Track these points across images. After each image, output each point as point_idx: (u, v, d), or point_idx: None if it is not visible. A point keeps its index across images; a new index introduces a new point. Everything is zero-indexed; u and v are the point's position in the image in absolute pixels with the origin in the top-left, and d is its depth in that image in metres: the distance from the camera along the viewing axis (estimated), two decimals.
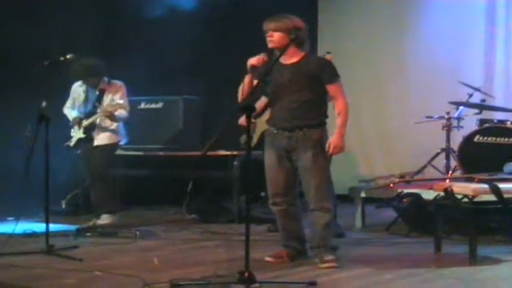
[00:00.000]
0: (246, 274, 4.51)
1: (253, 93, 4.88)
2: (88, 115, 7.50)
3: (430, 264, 5.41)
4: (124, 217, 7.79)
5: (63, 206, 8.97)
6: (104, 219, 7.48)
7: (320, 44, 10.37)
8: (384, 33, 9.99)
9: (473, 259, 5.39)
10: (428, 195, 6.70)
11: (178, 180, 8.98)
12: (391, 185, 7.39)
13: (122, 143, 7.74)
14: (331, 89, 5.35)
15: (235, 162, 7.84)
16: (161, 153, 8.53)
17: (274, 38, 5.29)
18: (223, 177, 8.30)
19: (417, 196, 6.87)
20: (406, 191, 7.07)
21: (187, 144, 8.35)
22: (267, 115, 5.77)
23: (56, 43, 8.42)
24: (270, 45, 5.30)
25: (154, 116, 8.63)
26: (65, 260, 5.59)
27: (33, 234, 6.70)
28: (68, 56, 6.20)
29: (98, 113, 7.39)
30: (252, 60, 5.31)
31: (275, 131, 5.40)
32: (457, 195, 5.73)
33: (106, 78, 7.53)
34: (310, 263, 5.41)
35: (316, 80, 5.32)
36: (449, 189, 5.74)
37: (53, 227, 6.32)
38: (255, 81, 5.23)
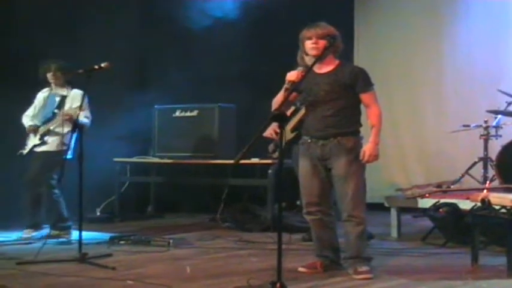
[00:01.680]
0: (278, 285, 4.47)
1: (286, 102, 4.82)
2: (46, 121, 7.24)
3: (466, 276, 5.29)
4: (157, 225, 7.75)
5: (98, 214, 9.03)
6: (26, 233, 7.09)
7: (356, 54, 10.34)
8: (421, 42, 9.89)
9: (511, 271, 5.27)
10: (465, 205, 6.60)
11: (212, 188, 8.99)
12: (427, 194, 7.27)
13: (69, 156, 6.94)
14: (365, 97, 5.30)
15: (269, 171, 7.79)
16: (196, 161, 8.51)
17: (319, 45, 5.23)
18: (258, 186, 8.28)
19: (454, 206, 6.77)
20: (443, 200, 6.96)
21: (222, 152, 8.33)
22: (291, 124, 5.73)
23: (92, 52, 8.45)
24: (313, 52, 5.22)
25: (189, 124, 8.63)
26: (97, 269, 5.60)
27: (66, 242, 6.75)
28: (103, 65, 6.17)
29: (55, 119, 7.13)
30: (291, 76, 5.28)
31: (309, 140, 5.35)
32: (494, 206, 5.62)
33: (70, 86, 7.25)
34: (344, 274, 5.34)
35: (351, 89, 5.28)
36: (486, 199, 5.64)
37: (86, 235, 6.37)
38: (294, 94, 5.22)
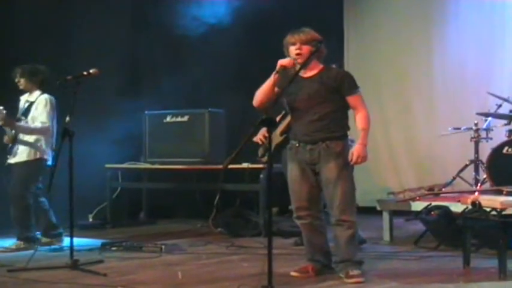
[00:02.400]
0: None
1: (274, 106, 4.82)
2: None
3: (458, 279, 5.30)
4: (150, 231, 7.73)
5: (90, 220, 9.01)
6: (8, 244, 6.95)
7: (346, 58, 10.36)
8: (411, 45, 9.91)
9: (503, 273, 5.27)
10: (457, 208, 6.61)
11: (204, 194, 8.98)
12: (418, 197, 7.29)
13: (48, 163, 7.00)
14: (351, 100, 5.31)
15: (261, 175, 7.79)
16: (187, 166, 8.50)
17: (303, 50, 5.25)
18: (250, 190, 8.27)
19: (446, 209, 6.77)
20: (434, 203, 6.97)
21: (213, 157, 8.32)
22: (280, 127, 5.72)
23: (83, 58, 8.45)
24: (299, 59, 5.24)
25: (180, 129, 8.60)
26: (89, 275, 5.59)
27: (58, 249, 6.74)
28: (91, 71, 6.14)
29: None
30: (283, 61, 5.26)
31: (297, 145, 5.36)
32: (485, 208, 5.63)
33: (38, 92, 7.06)
34: (336, 278, 5.33)
35: (336, 92, 5.29)
36: (477, 202, 5.65)
37: (78, 241, 6.35)
38: (276, 89, 5.24)
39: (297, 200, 5.40)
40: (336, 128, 5.29)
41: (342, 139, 5.31)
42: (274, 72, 5.26)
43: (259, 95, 5.35)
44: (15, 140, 6.97)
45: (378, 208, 7.44)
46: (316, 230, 5.44)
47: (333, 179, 5.23)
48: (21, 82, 7.09)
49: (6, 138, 7.03)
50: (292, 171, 5.39)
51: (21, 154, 6.97)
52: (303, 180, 5.34)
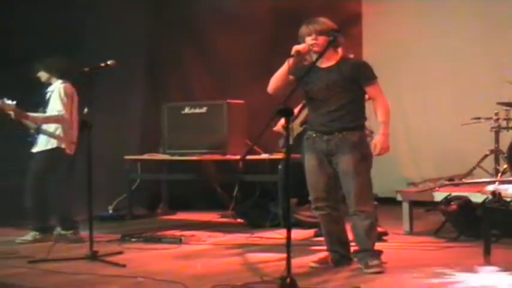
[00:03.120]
0: (288, 280, 4.45)
1: (291, 96, 4.79)
2: None
3: (479, 269, 5.25)
4: (169, 222, 7.75)
5: (110, 212, 9.05)
6: (26, 236, 6.95)
7: (365, 49, 10.29)
8: (430, 34, 9.83)
9: None
10: (477, 198, 6.56)
11: (224, 185, 8.98)
12: (437, 188, 7.25)
13: (67, 152, 6.96)
14: (370, 90, 5.28)
15: (280, 166, 7.77)
16: (206, 157, 8.50)
17: (319, 41, 5.22)
18: (269, 181, 8.26)
19: (466, 199, 6.72)
20: (454, 194, 6.92)
21: (231, 148, 8.31)
22: (300, 118, 5.69)
23: (101, 50, 8.46)
24: (315, 48, 5.22)
25: (198, 121, 8.60)
26: (108, 266, 5.62)
27: (77, 241, 6.78)
28: (109, 62, 6.15)
29: None
30: (298, 46, 5.23)
31: (314, 135, 5.34)
32: (505, 198, 5.58)
33: (60, 81, 7.04)
34: (354, 268, 5.32)
35: (354, 83, 5.26)
36: (497, 192, 5.61)
37: (98, 232, 6.39)
38: (291, 77, 5.24)
39: (314, 190, 5.38)
40: (353, 118, 5.26)
41: (358, 129, 5.28)
42: (288, 58, 5.23)
43: (274, 82, 5.34)
44: (38, 131, 7.00)
45: (398, 198, 7.40)
46: (334, 221, 5.42)
47: (350, 169, 5.21)
48: (41, 75, 7.11)
49: (31, 129, 7.07)
50: (310, 162, 5.38)
51: (40, 144, 6.99)
52: (320, 171, 5.33)
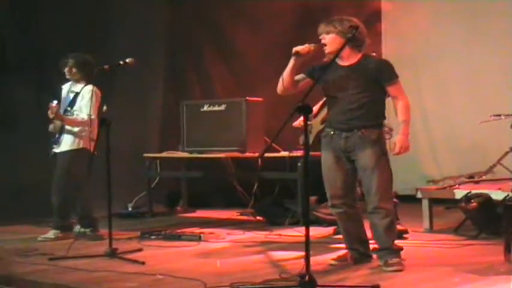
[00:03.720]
0: (307, 277, 4.44)
1: (308, 94, 4.78)
2: None
3: (499, 267, 5.22)
4: (188, 220, 7.75)
5: (130, 209, 9.08)
6: (48, 234, 6.97)
7: (384, 45, 10.25)
8: (449, 34, 9.77)
9: None
10: (497, 195, 6.52)
11: (243, 182, 8.98)
12: (457, 185, 7.21)
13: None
14: (391, 89, 5.26)
15: (299, 164, 7.75)
16: (225, 154, 8.50)
17: (326, 40, 5.22)
18: (288, 179, 8.25)
19: (486, 197, 6.67)
20: (474, 191, 6.88)
21: (250, 145, 8.30)
22: (321, 115, 5.67)
23: (122, 47, 8.49)
24: (327, 49, 5.22)
25: (217, 118, 8.60)
26: (127, 263, 5.63)
27: (96, 238, 6.81)
28: (128, 60, 6.17)
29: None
30: (298, 47, 5.22)
31: (332, 132, 5.32)
32: None
33: (84, 82, 7.00)
34: (373, 266, 5.30)
35: (375, 82, 5.23)
36: None
37: (117, 230, 6.41)
38: (302, 75, 5.28)
39: (331, 188, 5.36)
40: (372, 117, 5.24)
41: (377, 127, 5.25)
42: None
43: (280, 82, 5.35)
44: (61, 130, 7.01)
45: (418, 196, 7.37)
46: (352, 219, 5.40)
47: (370, 166, 5.18)
48: (73, 72, 7.05)
49: (52, 127, 7.06)
50: (327, 159, 5.35)
51: (65, 144, 7.00)
52: (337, 169, 5.30)
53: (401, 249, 5.39)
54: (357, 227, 5.43)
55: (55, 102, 6.79)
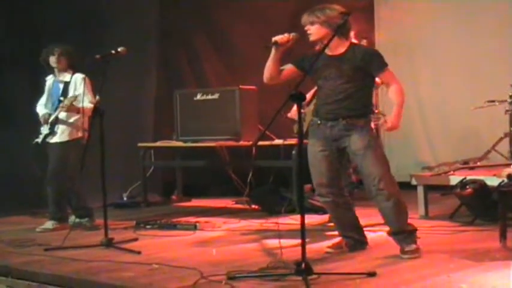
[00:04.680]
0: (303, 265, 4.45)
1: (300, 84, 4.76)
2: (54, 110, 7.04)
3: (494, 254, 5.23)
4: (184, 209, 7.76)
5: (125, 199, 9.08)
6: (46, 225, 7.00)
7: (377, 32, 10.22)
8: (444, 20, 9.75)
9: None
10: (492, 181, 6.52)
11: (238, 171, 8.98)
12: (452, 171, 7.22)
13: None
14: (383, 77, 5.28)
15: (293, 152, 7.75)
16: (219, 143, 8.50)
17: (311, 31, 5.21)
18: (283, 167, 8.25)
19: (481, 183, 6.68)
20: (469, 177, 6.88)
21: (245, 134, 8.29)
22: (314, 103, 5.67)
23: (113, 36, 8.47)
24: (311, 37, 5.22)
25: (211, 107, 8.59)
26: (123, 253, 5.64)
27: (92, 228, 6.81)
28: (120, 49, 6.15)
29: (60, 107, 6.95)
30: (276, 37, 5.23)
31: (318, 122, 5.30)
32: None
33: (72, 71, 7.05)
34: (369, 253, 5.32)
35: (363, 71, 5.22)
36: None
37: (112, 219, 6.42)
38: (287, 65, 5.32)
39: (317, 177, 5.34)
40: (358, 106, 5.23)
41: (364, 116, 5.24)
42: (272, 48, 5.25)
43: (264, 72, 5.36)
44: (56, 121, 7.00)
45: (413, 183, 7.38)
46: (341, 207, 5.40)
47: (361, 149, 5.17)
48: (61, 60, 7.05)
49: (45, 118, 7.05)
50: (312, 148, 5.33)
51: (62, 134, 7.00)
52: (322, 158, 5.28)
53: (415, 229, 5.35)
54: (347, 215, 5.44)
55: (62, 98, 6.86)
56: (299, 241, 4.55)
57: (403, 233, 5.26)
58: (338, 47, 5.24)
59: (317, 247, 5.52)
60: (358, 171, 5.38)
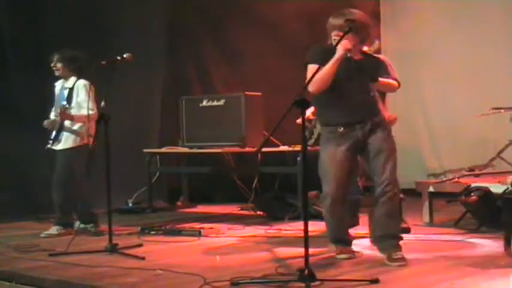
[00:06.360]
0: (306, 271, 4.45)
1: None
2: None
3: (499, 261, 5.22)
4: (189, 215, 7.76)
5: (130, 205, 9.09)
6: (51, 230, 6.99)
7: (384, 38, 10.21)
8: (449, 26, 9.74)
9: None
10: (497, 188, 6.51)
11: (243, 177, 8.99)
12: (456, 178, 7.20)
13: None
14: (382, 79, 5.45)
15: (298, 158, 7.75)
16: (225, 149, 8.50)
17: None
18: (289, 173, 8.25)
19: (486, 190, 6.67)
20: (474, 184, 6.87)
21: (250, 140, 8.30)
22: None
23: (120, 41, 8.49)
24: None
25: (216, 113, 8.61)
26: (128, 259, 5.64)
27: (97, 234, 6.82)
28: (126, 56, 6.16)
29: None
30: (346, 44, 5.09)
31: (341, 129, 5.28)
32: None
33: (74, 78, 7.01)
34: (373, 260, 5.30)
35: (371, 78, 5.34)
36: None
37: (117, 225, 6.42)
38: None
39: (332, 182, 5.33)
40: (376, 106, 5.38)
41: (380, 114, 5.40)
42: (337, 57, 5.10)
43: (321, 83, 5.09)
44: (61, 128, 6.99)
45: (418, 190, 7.37)
46: (347, 213, 5.49)
47: (384, 145, 5.25)
48: (58, 67, 7.06)
49: (47, 123, 7.04)
50: (337, 155, 5.29)
51: (66, 141, 6.99)
52: (348, 165, 5.32)
53: (402, 236, 5.41)
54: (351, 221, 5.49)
55: (64, 103, 6.83)
56: (303, 248, 4.55)
57: (392, 240, 5.26)
58: (359, 52, 5.34)
59: (321, 254, 5.51)
60: (364, 175, 5.41)
